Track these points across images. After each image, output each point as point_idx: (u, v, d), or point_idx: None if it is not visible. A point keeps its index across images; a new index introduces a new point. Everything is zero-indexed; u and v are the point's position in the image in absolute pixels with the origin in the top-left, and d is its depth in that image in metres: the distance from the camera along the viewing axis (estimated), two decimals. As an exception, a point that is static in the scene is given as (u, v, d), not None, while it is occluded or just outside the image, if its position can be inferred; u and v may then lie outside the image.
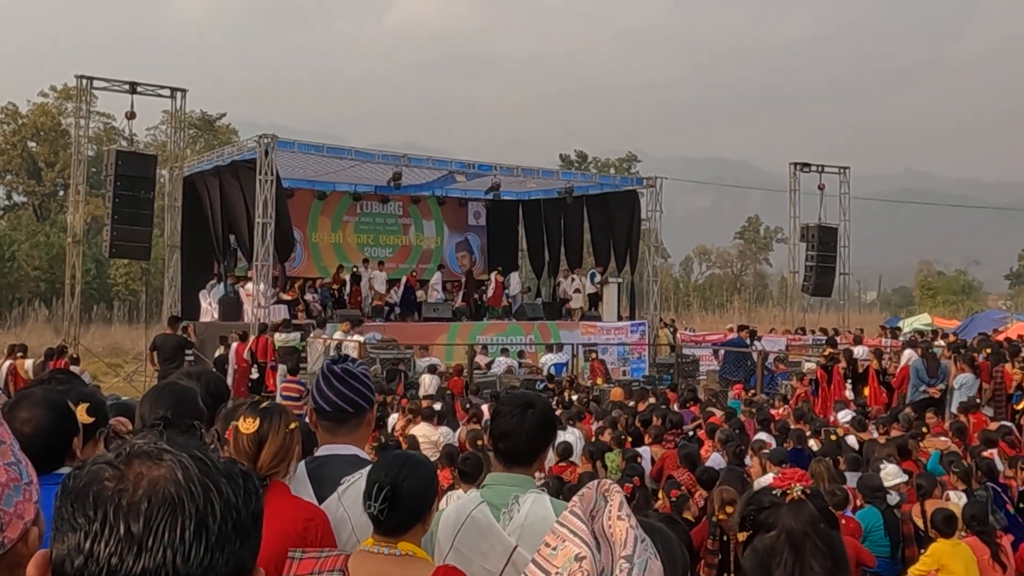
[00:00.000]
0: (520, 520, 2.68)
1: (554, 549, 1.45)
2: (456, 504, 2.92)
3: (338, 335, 18.66)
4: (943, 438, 10.52)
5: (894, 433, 10.86)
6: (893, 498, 7.61)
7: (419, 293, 25.09)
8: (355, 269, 24.68)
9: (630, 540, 1.45)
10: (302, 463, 3.09)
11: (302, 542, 2.63)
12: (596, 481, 1.58)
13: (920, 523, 7.13)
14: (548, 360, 21.23)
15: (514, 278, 27.07)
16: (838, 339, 21.23)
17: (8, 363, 16.58)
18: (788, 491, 1.96)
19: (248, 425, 2.82)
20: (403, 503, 2.55)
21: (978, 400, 13.27)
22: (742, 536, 2.00)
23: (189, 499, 1.04)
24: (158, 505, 1.03)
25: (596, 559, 1.42)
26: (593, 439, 10.80)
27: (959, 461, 8.37)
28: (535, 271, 30.35)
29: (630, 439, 10.47)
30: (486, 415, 12.52)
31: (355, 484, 2.86)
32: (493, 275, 26.67)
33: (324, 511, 2.84)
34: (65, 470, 2.41)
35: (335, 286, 24.27)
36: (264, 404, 2.97)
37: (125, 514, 1.02)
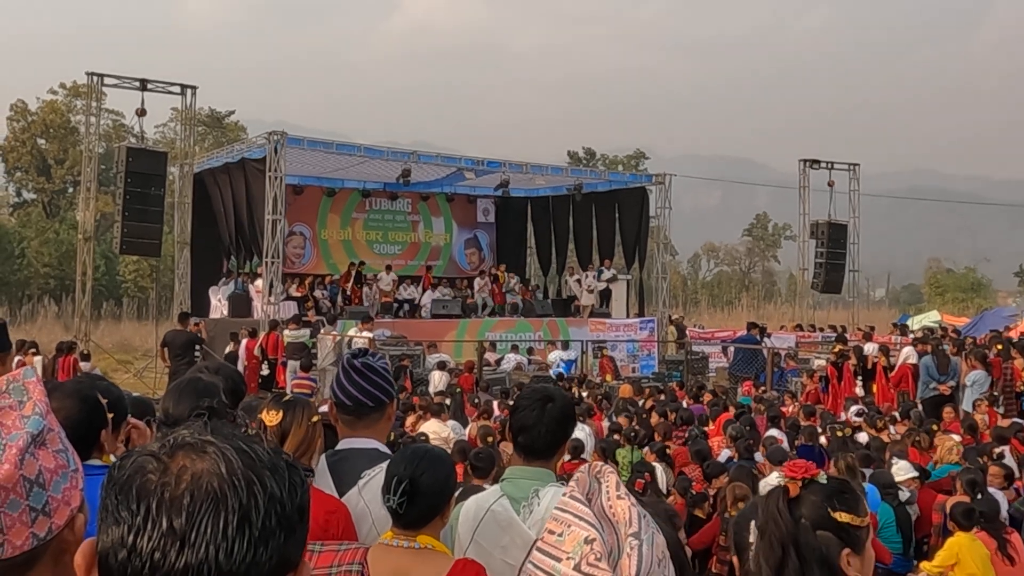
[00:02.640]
0: (540, 513, 2.67)
1: (560, 535, 1.45)
2: (476, 497, 2.92)
3: (352, 331, 18.71)
4: (954, 435, 10.50)
5: (901, 429, 10.85)
6: (904, 494, 7.61)
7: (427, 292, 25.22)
8: (360, 267, 24.75)
9: (634, 517, 1.46)
10: (322, 456, 3.10)
11: (324, 535, 2.65)
12: (587, 464, 1.58)
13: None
14: (557, 357, 21.21)
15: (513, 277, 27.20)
16: (848, 336, 21.18)
17: (18, 359, 16.65)
18: (790, 480, 2.00)
19: (272, 417, 2.84)
20: (422, 497, 2.56)
21: (996, 395, 13.26)
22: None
23: (232, 493, 1.03)
24: (201, 500, 1.02)
25: (604, 540, 1.42)
26: (604, 436, 10.81)
27: (974, 457, 8.37)
28: (542, 268, 30.36)
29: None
30: (496, 411, 12.56)
31: (375, 478, 2.87)
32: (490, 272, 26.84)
33: (345, 504, 2.85)
34: (94, 462, 2.44)
35: (346, 284, 24.34)
36: (287, 397, 3.00)
37: (168, 508, 1.01)
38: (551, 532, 1.48)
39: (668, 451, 9.40)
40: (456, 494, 2.76)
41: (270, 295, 20.33)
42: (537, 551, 1.49)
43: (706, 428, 11.52)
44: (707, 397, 14.80)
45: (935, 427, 10.62)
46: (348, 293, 23.90)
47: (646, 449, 9.61)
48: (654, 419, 11.55)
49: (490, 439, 9.08)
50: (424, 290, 25.40)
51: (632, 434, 10.44)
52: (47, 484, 1.24)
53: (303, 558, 1.12)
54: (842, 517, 1.97)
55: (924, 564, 6.60)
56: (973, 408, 12.63)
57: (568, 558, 1.43)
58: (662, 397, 14.68)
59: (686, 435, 10.53)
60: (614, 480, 1.55)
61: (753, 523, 2.03)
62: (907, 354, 15.70)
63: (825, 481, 2.02)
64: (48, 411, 1.29)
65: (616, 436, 10.59)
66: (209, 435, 1.09)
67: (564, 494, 1.53)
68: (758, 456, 9.17)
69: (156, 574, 1.00)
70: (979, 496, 6.95)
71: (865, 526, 2.01)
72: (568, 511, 1.49)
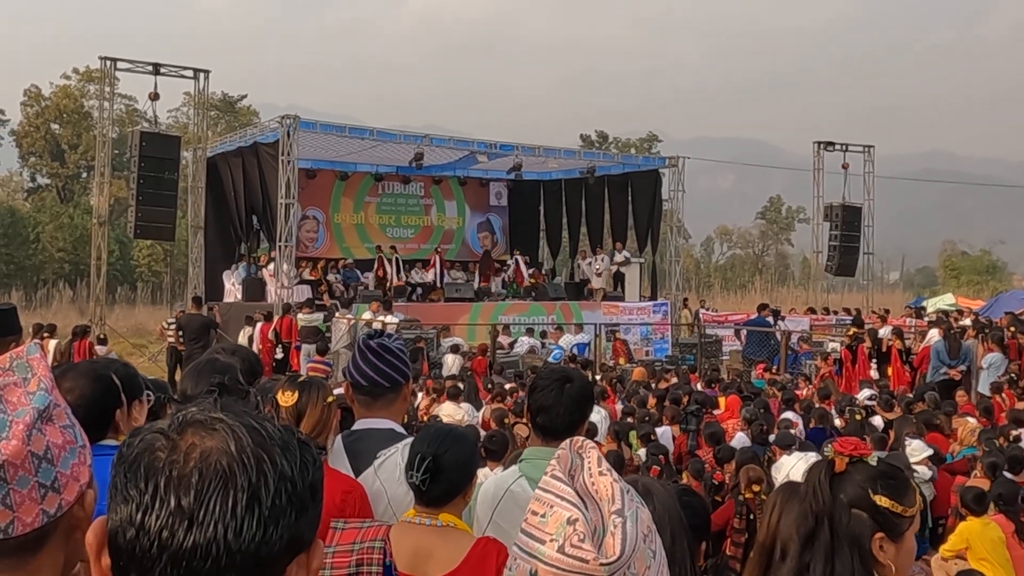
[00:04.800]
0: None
1: (543, 516, 1.43)
2: (495, 478, 2.94)
3: (367, 315, 18.71)
4: (970, 418, 10.44)
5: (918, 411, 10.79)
6: (926, 473, 7.57)
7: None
8: (380, 253, 24.84)
9: (617, 494, 1.44)
10: (339, 437, 3.10)
11: (340, 514, 2.65)
12: (569, 440, 1.56)
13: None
14: (569, 340, 21.20)
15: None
16: (863, 319, 21.06)
17: (35, 343, 16.72)
18: (837, 455, 1.97)
19: (287, 398, 2.85)
20: (444, 474, 2.58)
21: (1013, 377, 13.15)
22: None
23: (241, 471, 1.01)
24: (209, 478, 1.00)
25: (588, 519, 1.40)
26: (618, 418, 10.80)
27: (990, 440, 8.31)
28: (554, 251, 30.31)
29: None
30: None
31: (391, 457, 2.88)
32: (516, 256, 26.82)
33: (361, 484, 2.85)
34: (108, 442, 2.43)
35: (379, 272, 24.34)
36: (302, 378, 3.01)
37: (176, 487, 1.00)
38: (534, 513, 1.46)
39: (652, 436, 9.33)
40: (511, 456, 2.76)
41: (284, 279, 20.37)
42: (522, 533, 1.47)
43: (715, 411, 11.50)
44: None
45: (951, 410, 10.58)
46: (389, 281, 23.83)
47: (632, 433, 9.57)
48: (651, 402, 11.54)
49: (506, 420, 9.10)
50: (440, 272, 25.40)
51: (647, 417, 10.44)
52: (55, 460, 1.23)
53: (316, 537, 1.11)
54: (882, 501, 1.94)
55: (941, 548, 6.58)
56: (991, 391, 12.54)
57: (552, 540, 1.40)
58: (674, 380, 14.64)
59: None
60: (595, 456, 1.52)
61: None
62: (931, 335, 15.62)
63: (875, 463, 1.99)
64: (53, 387, 1.28)
65: (629, 419, 10.57)
66: (219, 412, 1.07)
67: (546, 473, 1.50)
68: (772, 438, 9.14)
69: (164, 553, 0.99)
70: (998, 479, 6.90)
71: (908, 516, 1.97)
72: (550, 491, 1.46)
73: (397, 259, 24.65)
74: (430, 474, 2.55)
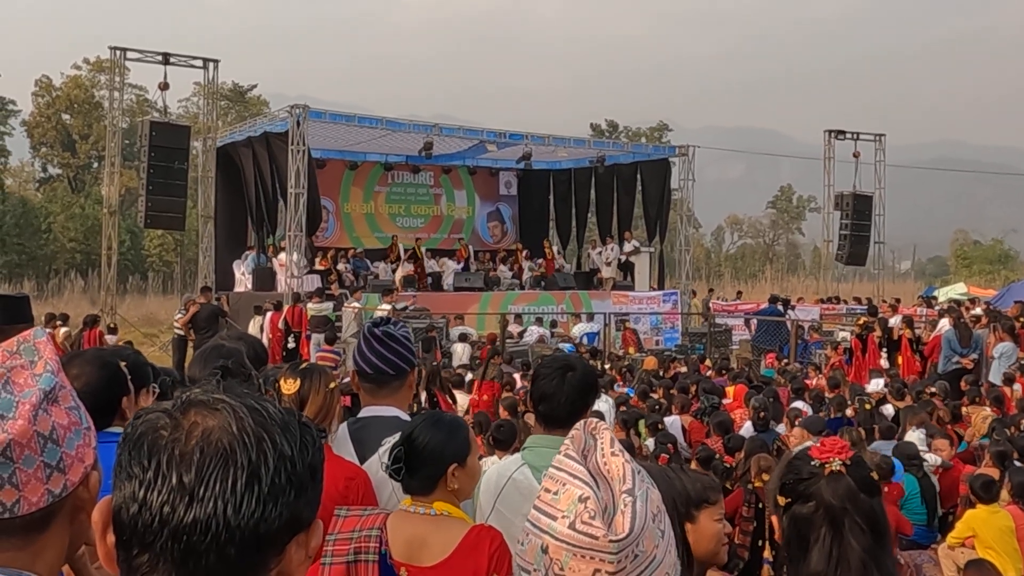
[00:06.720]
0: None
1: (555, 494, 1.46)
2: (497, 466, 2.95)
3: (386, 306, 18.65)
4: (984, 408, 10.42)
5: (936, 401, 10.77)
6: (940, 460, 7.56)
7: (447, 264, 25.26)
8: (417, 242, 24.92)
9: (628, 474, 1.47)
10: (344, 424, 3.12)
11: (343, 500, 2.66)
12: (583, 422, 1.59)
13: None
14: (580, 329, 21.21)
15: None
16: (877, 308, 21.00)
17: (47, 332, 16.80)
18: (827, 463, 1.92)
19: (289, 385, 2.87)
20: (416, 462, 2.55)
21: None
22: (781, 500, 1.98)
23: (242, 450, 1.04)
24: (210, 456, 1.03)
25: (599, 497, 1.43)
26: (624, 407, 10.80)
27: (1001, 429, 8.30)
28: (562, 240, 30.31)
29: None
30: (519, 383, 12.58)
31: (395, 445, 2.88)
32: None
33: (365, 471, 2.87)
34: (114, 429, 2.45)
35: (392, 259, 24.35)
36: (304, 365, 3.02)
37: (177, 464, 1.03)
38: (547, 490, 1.50)
39: (660, 425, 9.32)
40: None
41: (294, 269, 20.40)
42: (534, 509, 1.51)
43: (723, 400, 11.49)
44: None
45: (965, 400, 10.56)
46: (413, 272, 23.79)
47: (641, 422, 9.57)
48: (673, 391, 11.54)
49: (520, 408, 9.11)
50: (459, 263, 25.45)
51: (657, 407, 10.45)
52: (61, 440, 1.25)
53: (316, 518, 1.13)
54: (875, 476, 1.94)
55: (949, 537, 6.57)
56: (1003, 381, 12.50)
57: (563, 516, 1.45)
58: (683, 369, 14.64)
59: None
60: (608, 437, 1.57)
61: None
62: (942, 325, 15.58)
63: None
64: (59, 369, 1.30)
65: (622, 408, 10.54)
66: (221, 393, 1.10)
67: (560, 452, 1.54)
68: (781, 428, 9.14)
69: (165, 528, 1.02)
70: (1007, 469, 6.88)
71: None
72: (563, 469, 1.50)
73: (415, 249, 24.60)
74: (400, 462, 2.53)
